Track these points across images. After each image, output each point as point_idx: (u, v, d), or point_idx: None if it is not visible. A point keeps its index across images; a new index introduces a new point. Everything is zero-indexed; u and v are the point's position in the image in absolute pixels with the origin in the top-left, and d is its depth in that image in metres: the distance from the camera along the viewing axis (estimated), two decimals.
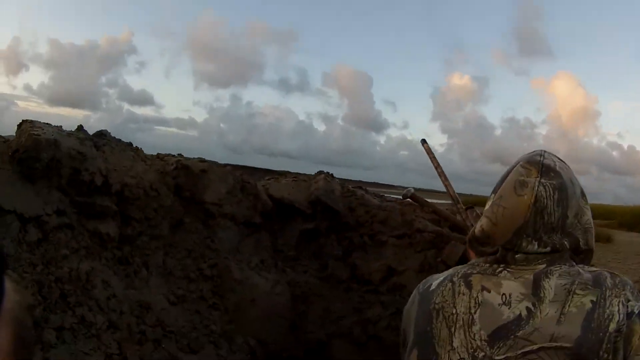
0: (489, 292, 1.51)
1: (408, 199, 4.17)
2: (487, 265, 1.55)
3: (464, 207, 3.52)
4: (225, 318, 3.55)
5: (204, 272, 3.70)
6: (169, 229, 3.77)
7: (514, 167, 1.53)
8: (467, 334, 1.45)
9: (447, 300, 1.57)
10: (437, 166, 3.91)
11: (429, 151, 3.95)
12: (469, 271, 1.52)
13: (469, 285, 1.50)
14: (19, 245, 3.15)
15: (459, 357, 1.49)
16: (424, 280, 1.73)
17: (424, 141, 4.02)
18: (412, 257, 4.11)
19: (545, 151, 1.54)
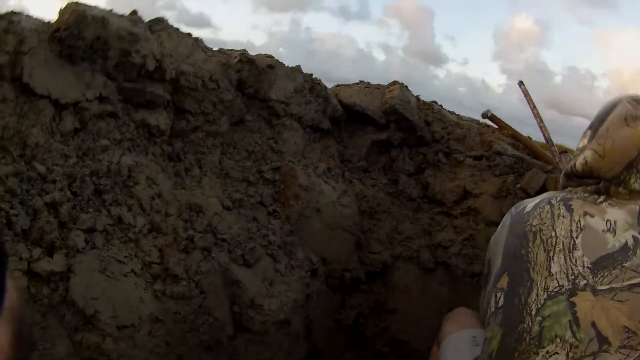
0: (592, 217, 1.39)
1: (486, 119, 3.83)
2: (587, 194, 1.47)
3: (557, 151, 3.33)
4: (286, 228, 2.86)
5: (264, 175, 2.98)
6: (229, 127, 3.05)
7: (615, 104, 1.50)
8: (568, 259, 1.30)
9: (545, 223, 1.46)
10: (534, 107, 3.73)
11: (527, 92, 3.80)
12: (568, 196, 1.38)
13: (569, 209, 1.36)
14: (51, 134, 2.43)
15: (557, 284, 1.39)
16: (516, 204, 1.69)
17: (521, 82, 3.88)
18: (490, 181, 3.39)
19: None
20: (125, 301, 2.13)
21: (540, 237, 1.52)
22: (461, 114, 4.01)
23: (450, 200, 3.40)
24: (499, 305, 1.63)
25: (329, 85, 3.67)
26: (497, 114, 3.82)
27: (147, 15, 2.90)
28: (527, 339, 1.42)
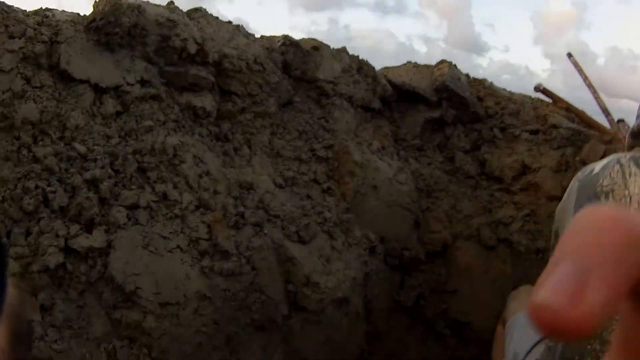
0: None
1: (539, 92, 3.55)
2: None
3: (615, 120, 3.14)
4: (342, 205, 2.59)
5: (317, 153, 2.72)
6: (277, 108, 2.81)
7: None
8: None
9: (616, 182, 1.36)
10: (586, 78, 3.57)
11: (577, 64, 3.65)
12: (636, 155, 1.13)
13: None
14: (92, 117, 2.24)
15: None
16: (581, 169, 1.59)
17: (570, 54, 3.71)
18: (548, 155, 3.11)
19: None
20: (170, 277, 1.89)
21: (613, 197, 1.40)
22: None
23: (508, 176, 3.13)
24: None
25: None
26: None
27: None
28: None
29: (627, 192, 1.39)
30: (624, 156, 1.47)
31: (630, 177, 1.40)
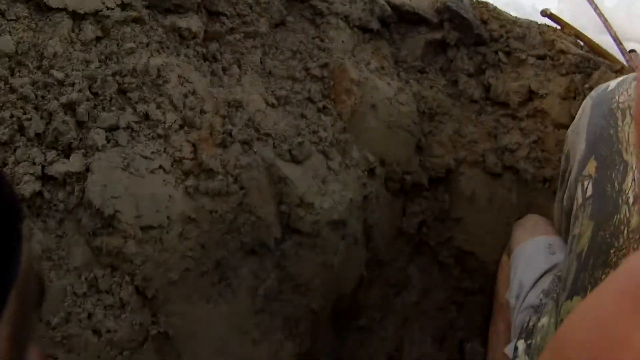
0: None
1: (546, 17, 3.38)
2: None
3: (627, 49, 3.06)
4: (338, 125, 2.49)
5: (311, 71, 2.58)
6: (269, 28, 2.69)
7: None
8: None
9: (634, 99, 1.26)
10: (596, 7, 3.40)
11: None
12: None
13: None
14: (71, 44, 2.12)
15: None
16: (595, 88, 1.59)
17: None
18: (556, 81, 2.98)
19: None
20: (152, 199, 1.79)
21: (631, 114, 1.30)
22: None
23: (514, 101, 3.01)
24: (587, 195, 1.37)
25: None
26: None
27: None
28: (625, 232, 1.19)
29: None
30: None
31: None
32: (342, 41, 2.79)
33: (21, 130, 1.82)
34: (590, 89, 2.86)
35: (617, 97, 1.45)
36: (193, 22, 2.40)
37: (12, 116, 1.82)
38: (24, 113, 1.85)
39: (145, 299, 1.79)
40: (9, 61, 1.96)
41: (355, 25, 2.92)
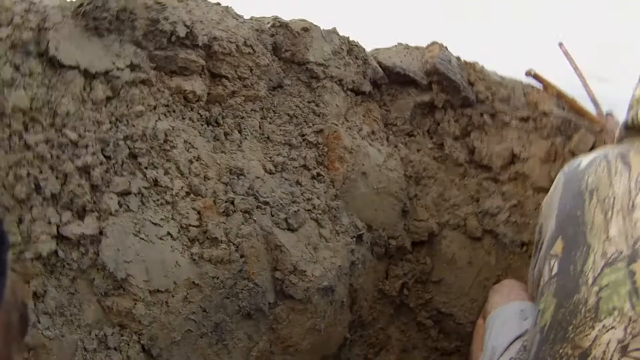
0: None
1: (530, 77, 3.56)
2: None
3: (603, 112, 3.23)
4: (330, 192, 2.72)
5: (307, 138, 2.82)
6: (267, 91, 2.91)
7: None
8: (627, 221, 1.10)
9: (602, 180, 1.44)
10: (576, 67, 3.61)
11: (567, 53, 3.66)
12: (624, 150, 1.13)
13: (627, 164, 1.17)
14: (82, 103, 2.30)
15: (615, 250, 1.29)
16: (568, 163, 1.62)
17: (561, 44, 3.71)
18: (537, 143, 3.22)
19: None
20: (160, 264, 2.00)
21: (597, 197, 1.40)
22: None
23: (497, 165, 3.24)
24: (553, 274, 1.50)
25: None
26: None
27: None
28: (583, 311, 1.32)
29: (611, 193, 1.41)
30: (612, 151, 1.50)
31: (615, 175, 1.40)
32: (337, 105, 3.03)
33: (37, 189, 1.98)
34: (571, 152, 3.09)
35: (586, 178, 1.52)
36: (197, 85, 2.62)
37: (28, 174, 1.98)
38: (40, 172, 2.01)
39: (150, 357, 2.00)
40: (23, 116, 2.12)
41: (349, 88, 3.16)
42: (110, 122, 2.31)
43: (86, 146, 2.16)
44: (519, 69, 3.66)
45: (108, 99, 2.37)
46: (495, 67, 3.71)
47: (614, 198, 1.38)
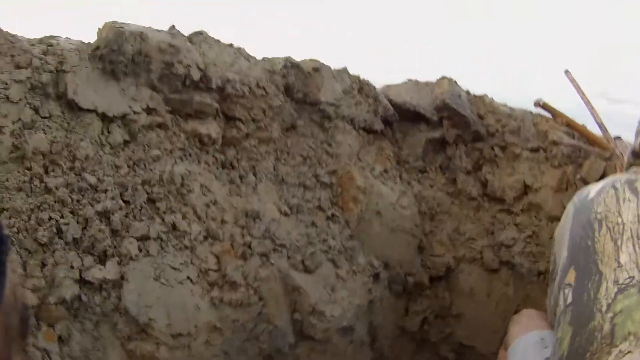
0: None
1: (539, 107, 3.62)
2: None
3: (612, 137, 3.20)
4: (346, 232, 2.76)
5: (321, 179, 2.88)
6: (281, 133, 2.96)
7: None
8: (637, 247, 1.13)
9: (610, 209, 1.37)
10: (583, 95, 3.58)
11: (574, 80, 3.66)
12: (632, 177, 1.21)
13: (635, 192, 1.18)
14: (101, 147, 2.39)
15: (627, 276, 1.29)
16: (578, 192, 1.61)
17: (567, 71, 3.71)
18: (549, 173, 3.25)
19: None
20: (181, 309, 2.04)
21: (607, 225, 1.42)
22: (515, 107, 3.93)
23: (510, 196, 3.28)
24: (568, 303, 1.53)
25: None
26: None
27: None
28: (599, 337, 1.33)
29: (620, 220, 1.42)
30: (620, 179, 1.52)
31: (624, 202, 1.43)
32: (349, 145, 3.08)
33: (59, 233, 2.04)
34: (582, 179, 3.12)
35: (595, 207, 1.53)
36: (212, 128, 2.68)
37: (50, 218, 2.04)
38: (62, 216, 2.07)
39: None
40: (43, 159, 2.18)
41: (361, 127, 3.21)
42: (128, 166, 2.37)
43: (105, 190, 2.21)
44: (529, 99, 3.73)
45: (126, 142, 2.45)
46: (504, 97, 3.75)
47: (623, 225, 1.39)
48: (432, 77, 3.66)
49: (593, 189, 1.62)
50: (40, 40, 2.51)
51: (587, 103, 3.67)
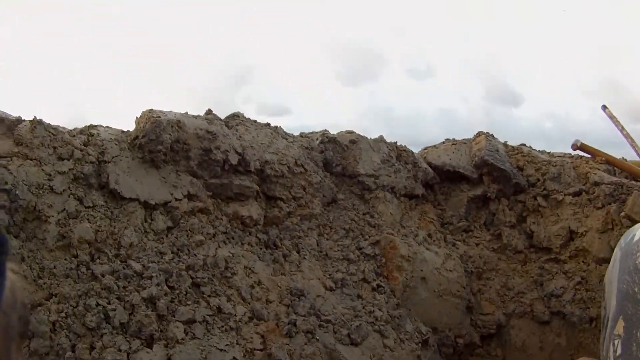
0: None
1: (577, 150, 3.80)
2: None
3: None
4: (392, 302, 2.81)
5: (364, 250, 2.94)
6: (322, 208, 3.06)
7: None
8: None
9: None
10: (623, 129, 3.77)
11: (612, 115, 3.83)
12: None
13: None
14: (144, 234, 2.54)
15: None
16: (625, 233, 1.36)
17: (604, 107, 3.93)
18: (593, 215, 3.28)
19: None
20: None
21: None
22: (552, 151, 3.96)
23: (556, 244, 3.29)
24: (617, 355, 1.50)
25: (417, 149, 3.69)
26: (588, 140, 3.78)
27: (228, 110, 3.00)
28: None
29: None
30: None
31: None
32: (391, 213, 3.14)
33: (107, 318, 2.14)
34: (627, 216, 3.09)
35: None
36: (253, 210, 2.77)
37: (97, 304, 2.16)
38: (109, 303, 2.18)
39: None
40: (89, 247, 2.31)
41: (402, 194, 3.28)
42: (172, 252, 2.47)
43: (150, 277, 2.31)
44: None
45: (169, 229, 2.56)
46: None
47: None
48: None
49: (638, 230, 1.58)
50: (81, 131, 2.66)
51: (627, 136, 3.71)
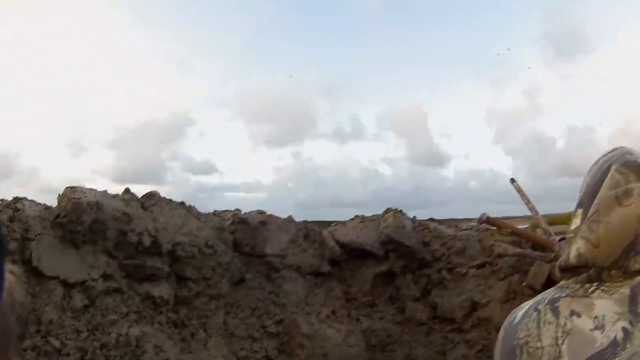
0: (579, 316, 1.21)
1: (484, 224, 3.98)
2: (578, 285, 1.25)
3: (557, 239, 3.36)
4: None
5: (268, 329, 3.16)
6: (230, 287, 3.20)
7: (604, 171, 1.27)
8: None
9: (531, 334, 1.29)
10: (528, 202, 3.83)
11: (519, 189, 3.91)
12: (556, 295, 1.21)
13: (556, 312, 1.19)
14: (63, 311, 2.70)
15: None
16: (510, 313, 1.41)
17: (512, 180, 3.96)
18: (496, 286, 3.54)
19: (625, 147, 1.29)
20: None
21: (527, 351, 1.34)
22: (473, 217, 4.14)
23: (459, 315, 3.50)
24: None
25: (341, 210, 3.86)
26: (509, 198, 4.08)
27: (152, 168, 3.16)
28: None
29: (539, 344, 1.33)
30: (545, 299, 1.55)
31: (544, 325, 1.33)
32: (296, 292, 3.35)
33: None
34: (528, 286, 3.28)
35: (518, 333, 1.40)
36: (164, 290, 2.94)
37: None
38: None
39: None
40: None
41: (308, 272, 3.49)
42: (87, 330, 2.63)
43: (68, 354, 2.46)
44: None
45: (85, 307, 2.72)
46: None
47: (542, 349, 1.30)
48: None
49: (520, 312, 1.61)
50: (8, 205, 2.78)
51: (532, 209, 3.94)
